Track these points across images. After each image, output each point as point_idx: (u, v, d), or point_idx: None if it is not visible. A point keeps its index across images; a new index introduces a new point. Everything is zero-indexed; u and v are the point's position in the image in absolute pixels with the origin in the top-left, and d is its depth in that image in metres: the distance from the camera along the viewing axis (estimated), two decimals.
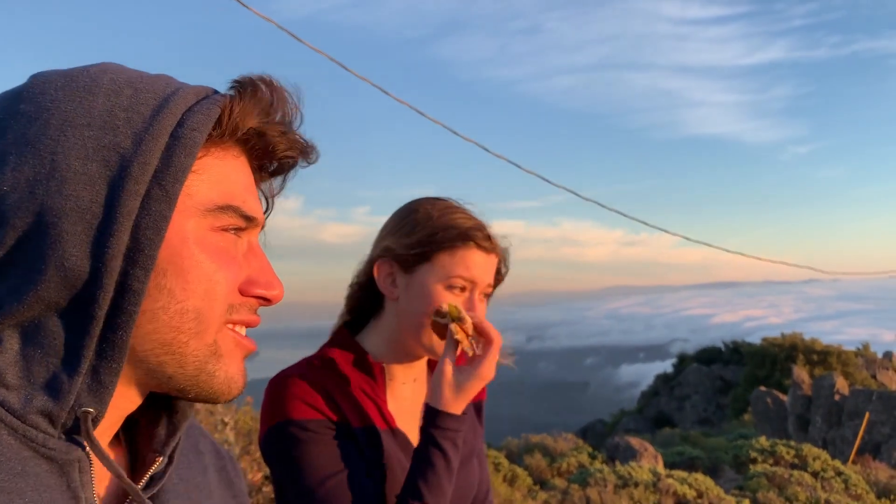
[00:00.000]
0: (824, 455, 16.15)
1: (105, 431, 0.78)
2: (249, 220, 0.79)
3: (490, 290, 1.73)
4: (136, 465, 0.85)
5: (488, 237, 1.68)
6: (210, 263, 0.75)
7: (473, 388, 1.50)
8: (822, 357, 31.33)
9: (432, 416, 1.47)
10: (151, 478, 0.82)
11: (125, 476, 0.75)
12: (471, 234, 1.65)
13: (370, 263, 1.73)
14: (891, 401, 20.22)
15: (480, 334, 1.55)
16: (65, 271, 0.67)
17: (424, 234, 1.66)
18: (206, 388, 0.79)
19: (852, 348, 33.33)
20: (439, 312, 1.57)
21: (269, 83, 0.79)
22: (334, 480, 1.48)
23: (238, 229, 0.79)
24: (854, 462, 17.43)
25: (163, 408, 0.85)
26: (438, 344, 1.61)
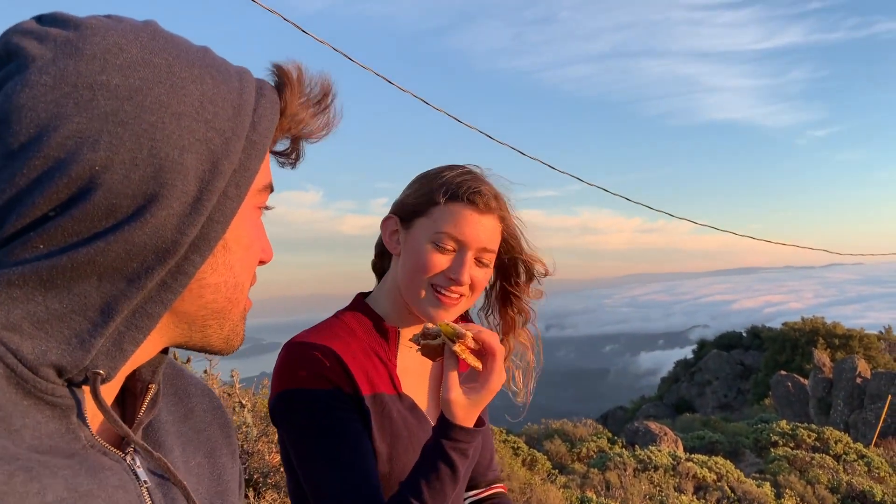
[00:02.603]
0: (846, 438, 16.05)
1: (114, 386, 0.80)
2: (271, 192, 0.85)
3: (487, 256, 1.64)
4: (124, 397, 0.87)
5: (481, 193, 1.61)
6: (255, 239, 0.82)
7: (485, 402, 1.43)
8: (843, 341, 31.09)
9: (445, 427, 1.40)
10: (150, 405, 0.85)
11: (126, 428, 0.77)
12: (462, 189, 1.60)
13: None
14: None
15: (481, 346, 1.44)
16: (132, 246, 0.69)
17: (427, 190, 1.63)
18: (229, 344, 0.85)
19: (874, 332, 33.04)
20: (427, 333, 1.45)
21: (323, 85, 0.83)
22: (338, 452, 1.48)
23: (264, 209, 0.85)
24: (876, 445, 17.28)
25: None
26: (426, 352, 1.49)
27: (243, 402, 5.29)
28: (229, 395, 5.43)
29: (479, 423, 1.44)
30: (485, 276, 1.66)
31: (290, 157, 0.87)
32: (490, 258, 1.65)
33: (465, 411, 1.41)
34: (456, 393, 1.40)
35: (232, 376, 5.95)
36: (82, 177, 0.66)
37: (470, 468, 1.45)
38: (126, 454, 0.79)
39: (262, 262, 0.87)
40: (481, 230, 1.61)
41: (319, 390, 1.51)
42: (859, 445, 15.82)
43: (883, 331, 33.70)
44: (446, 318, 1.60)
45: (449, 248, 1.60)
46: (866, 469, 14.45)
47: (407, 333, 1.70)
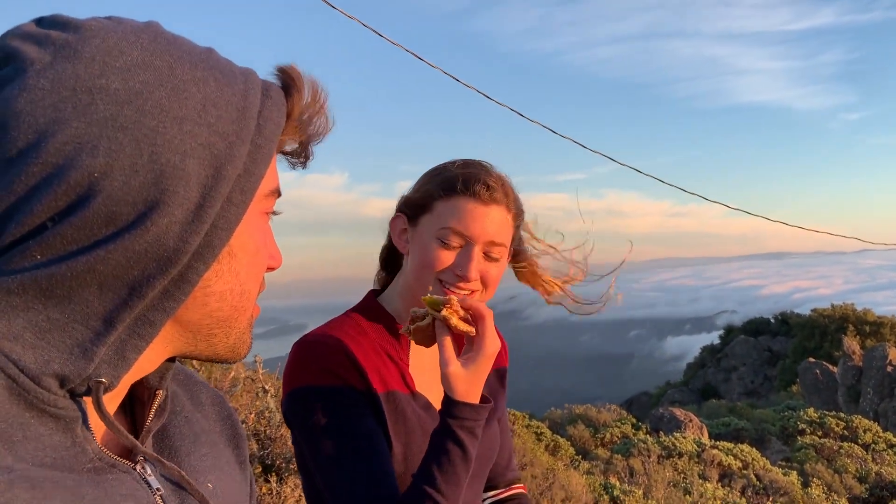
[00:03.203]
0: (875, 427, 15.86)
1: (118, 395, 0.79)
2: (278, 196, 0.83)
3: (496, 249, 1.57)
4: (133, 406, 0.86)
5: (484, 184, 1.54)
6: (263, 247, 0.80)
7: (484, 370, 1.39)
8: (874, 328, 30.72)
9: (449, 406, 1.38)
10: (157, 412, 0.84)
11: (133, 439, 0.76)
12: (463, 179, 1.54)
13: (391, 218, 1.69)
14: None
15: (468, 311, 1.41)
16: (133, 254, 0.67)
17: (429, 185, 1.59)
18: (236, 352, 0.83)
19: None
20: (414, 316, 1.42)
21: (314, 90, 0.81)
22: (352, 449, 1.45)
23: (272, 215, 0.83)
24: None
25: None
26: (419, 338, 1.45)
27: (266, 387, 5.32)
28: (252, 380, 5.47)
29: (485, 400, 1.41)
30: (498, 270, 1.60)
31: (300, 157, 0.85)
32: (501, 252, 1.58)
33: (467, 384, 1.37)
34: (454, 366, 1.37)
35: (255, 360, 5.98)
36: (81, 184, 0.64)
37: (476, 450, 1.42)
38: (136, 463, 0.78)
39: (270, 269, 0.85)
40: (488, 222, 1.55)
41: (332, 387, 1.48)
42: (889, 435, 15.64)
43: None
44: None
45: (454, 243, 1.54)
46: None
47: None
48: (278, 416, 5.14)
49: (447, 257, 1.54)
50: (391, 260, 1.76)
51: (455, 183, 1.55)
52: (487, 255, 1.57)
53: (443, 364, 1.37)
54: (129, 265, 0.68)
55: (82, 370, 0.68)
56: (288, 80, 0.79)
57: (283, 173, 0.84)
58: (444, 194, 1.55)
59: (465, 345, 1.42)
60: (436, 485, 1.34)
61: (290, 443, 5.03)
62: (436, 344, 1.42)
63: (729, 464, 12.87)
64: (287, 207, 0.90)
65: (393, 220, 1.66)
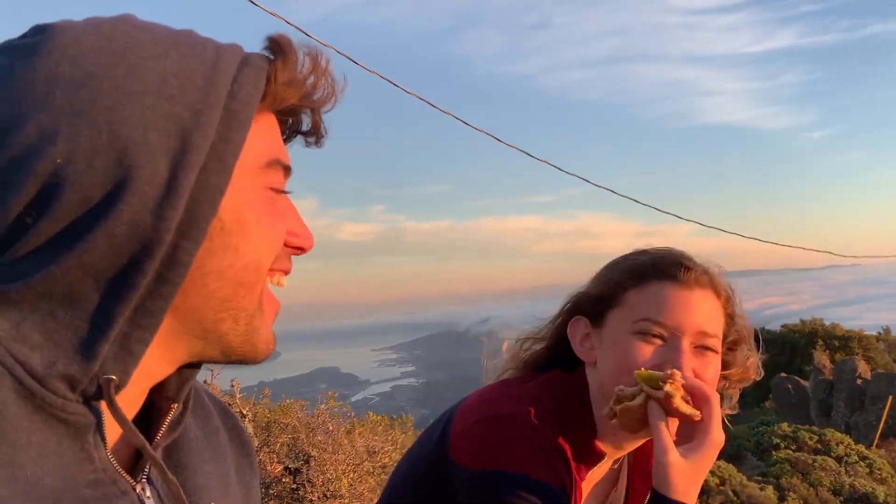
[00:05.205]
0: (847, 440, 16.03)
1: (135, 400, 0.78)
2: (288, 170, 0.81)
3: (710, 341, 1.32)
4: (150, 415, 0.84)
5: (686, 266, 1.33)
6: (266, 219, 0.76)
7: (708, 463, 1.18)
8: (843, 342, 31.07)
9: None
10: (169, 427, 0.82)
11: (147, 445, 0.75)
12: (661, 262, 1.34)
13: (557, 320, 1.46)
14: None
15: (691, 393, 1.20)
16: (114, 239, 0.66)
17: (614, 276, 1.38)
18: (253, 345, 0.79)
19: (873, 333, 33.04)
20: (622, 395, 1.20)
21: (311, 55, 0.78)
22: None
23: (279, 190, 0.80)
24: (878, 446, 17.27)
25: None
26: (632, 437, 1.27)
27: (244, 412, 5.26)
28: (230, 405, 5.41)
29: None
30: (715, 369, 1.34)
31: (313, 133, 0.84)
32: (715, 343, 1.34)
33: (687, 480, 1.16)
34: (674, 455, 1.15)
35: (232, 386, 5.93)
36: (47, 172, 0.64)
37: None
38: (138, 481, 0.76)
39: (297, 249, 0.82)
40: (697, 310, 1.31)
41: (545, 483, 1.26)
42: (861, 447, 15.80)
43: (881, 331, 33.70)
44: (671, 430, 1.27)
45: (657, 336, 1.30)
46: (868, 470, 14.43)
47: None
48: (257, 442, 5.08)
49: (653, 354, 1.30)
50: (553, 362, 1.48)
51: (647, 268, 1.35)
52: (699, 349, 1.33)
53: (659, 452, 1.16)
54: (114, 252, 0.67)
55: (88, 369, 0.67)
56: (273, 46, 0.77)
57: None
58: (635, 283, 1.34)
59: (678, 432, 1.24)
60: None
61: (268, 467, 4.96)
62: (631, 432, 1.24)
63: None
64: None
65: (572, 325, 1.42)
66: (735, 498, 11.91)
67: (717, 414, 1.19)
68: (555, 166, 9.68)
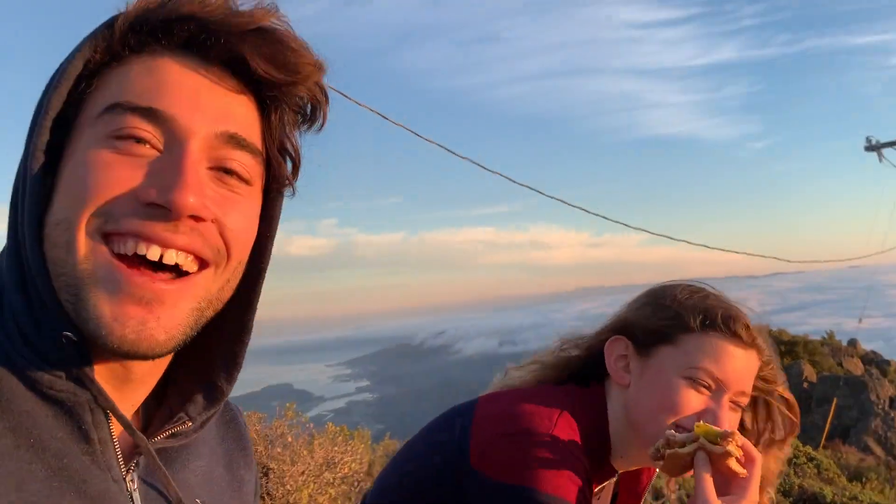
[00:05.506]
0: (795, 441, 16.39)
1: (136, 391, 0.79)
2: (146, 111, 0.72)
3: (744, 400, 1.39)
4: (161, 416, 0.86)
5: (746, 326, 1.38)
6: (85, 169, 0.70)
7: None
8: (789, 347, 31.75)
9: None
10: (173, 434, 0.83)
11: (133, 426, 0.76)
12: (727, 319, 1.36)
13: (601, 336, 1.49)
14: (857, 386, 20.58)
15: (743, 452, 1.26)
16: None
17: (672, 312, 1.39)
18: (85, 321, 0.70)
19: (818, 337, 33.87)
20: (672, 441, 1.25)
21: None
22: None
23: (126, 136, 0.71)
24: (825, 447, 17.70)
25: (201, 380, 0.86)
26: (668, 466, 1.30)
27: None
28: None
29: None
30: (737, 422, 1.42)
31: (308, 117, 0.90)
32: (745, 402, 1.41)
33: None
34: None
35: None
36: None
37: None
38: (129, 470, 0.77)
39: (156, 207, 0.70)
40: (746, 370, 1.37)
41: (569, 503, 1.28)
42: (808, 448, 16.16)
43: (825, 336, 34.57)
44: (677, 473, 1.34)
45: (706, 386, 1.35)
46: (816, 471, 14.76)
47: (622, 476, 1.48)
48: None
49: (696, 402, 1.35)
50: (581, 373, 1.52)
51: (712, 317, 1.37)
52: (733, 405, 1.39)
53: (702, 501, 1.22)
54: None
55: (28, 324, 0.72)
56: None
57: None
58: (698, 328, 1.37)
59: (716, 485, 1.26)
60: None
61: None
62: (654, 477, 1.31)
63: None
64: None
65: (611, 343, 1.48)
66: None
67: (759, 474, 1.25)
68: (507, 178, 9.83)
